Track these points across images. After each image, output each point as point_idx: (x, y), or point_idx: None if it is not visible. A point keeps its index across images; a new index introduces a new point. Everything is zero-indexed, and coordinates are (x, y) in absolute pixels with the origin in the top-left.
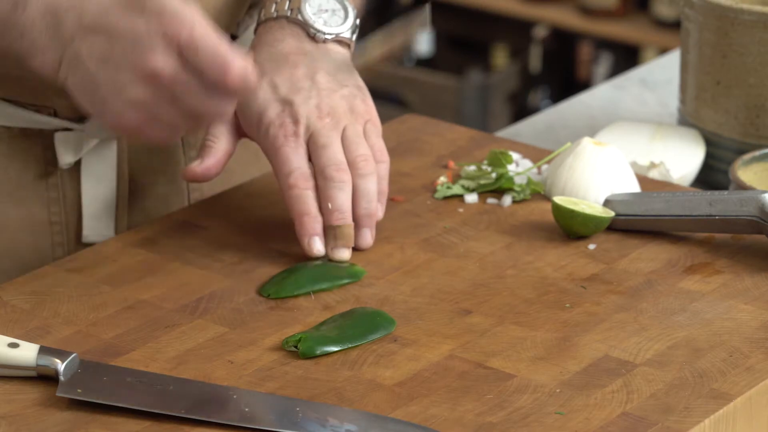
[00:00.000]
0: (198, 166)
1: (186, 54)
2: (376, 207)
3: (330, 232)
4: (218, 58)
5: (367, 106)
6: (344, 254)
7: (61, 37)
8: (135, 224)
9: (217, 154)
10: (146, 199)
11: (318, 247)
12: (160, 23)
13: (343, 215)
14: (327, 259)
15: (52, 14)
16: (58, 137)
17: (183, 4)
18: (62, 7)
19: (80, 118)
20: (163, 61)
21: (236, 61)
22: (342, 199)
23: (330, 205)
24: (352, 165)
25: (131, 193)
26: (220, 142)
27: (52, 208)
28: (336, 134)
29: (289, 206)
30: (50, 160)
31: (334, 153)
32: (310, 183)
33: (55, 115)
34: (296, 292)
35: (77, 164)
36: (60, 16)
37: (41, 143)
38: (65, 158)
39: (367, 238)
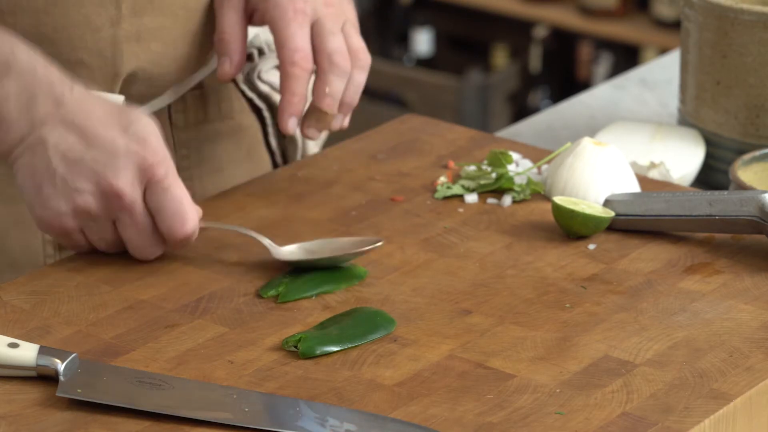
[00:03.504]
0: (229, 67)
1: (152, 191)
2: (356, 100)
3: (314, 113)
4: (180, 210)
5: (352, 8)
6: (317, 135)
7: (32, 117)
8: None
9: (238, 47)
10: None
11: (293, 126)
12: (141, 150)
13: (335, 103)
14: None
15: (29, 93)
16: None
17: (162, 140)
18: (41, 90)
19: None
20: (130, 187)
21: (193, 219)
22: (339, 87)
23: (327, 90)
24: (353, 55)
25: None
26: (235, 32)
27: None
28: (339, 24)
29: (284, 81)
30: None
31: (341, 42)
32: (310, 65)
33: None
34: (302, 295)
35: None
36: (36, 98)
37: None
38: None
39: (345, 122)
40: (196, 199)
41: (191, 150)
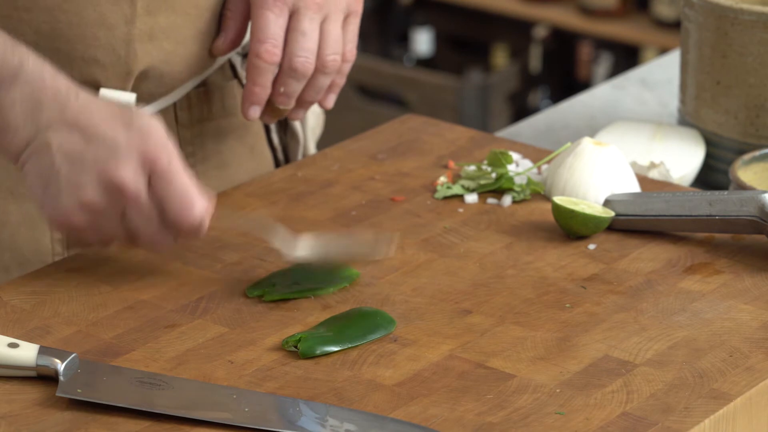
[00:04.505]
0: (222, 42)
1: (156, 181)
2: (320, 98)
3: (270, 103)
4: (185, 199)
5: None
6: (272, 122)
7: (37, 122)
8: None
9: (235, 25)
10: None
11: (255, 114)
12: (143, 142)
13: (289, 101)
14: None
15: (35, 101)
16: None
17: (167, 134)
18: (47, 97)
19: None
20: (132, 178)
21: (200, 207)
22: (295, 88)
23: (282, 89)
24: (321, 61)
25: None
26: (237, 9)
27: None
28: (317, 21)
29: (248, 70)
30: None
31: (311, 42)
32: (277, 58)
33: None
34: (288, 295)
35: None
36: (42, 104)
37: None
38: None
39: (300, 115)
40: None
41: (196, 147)
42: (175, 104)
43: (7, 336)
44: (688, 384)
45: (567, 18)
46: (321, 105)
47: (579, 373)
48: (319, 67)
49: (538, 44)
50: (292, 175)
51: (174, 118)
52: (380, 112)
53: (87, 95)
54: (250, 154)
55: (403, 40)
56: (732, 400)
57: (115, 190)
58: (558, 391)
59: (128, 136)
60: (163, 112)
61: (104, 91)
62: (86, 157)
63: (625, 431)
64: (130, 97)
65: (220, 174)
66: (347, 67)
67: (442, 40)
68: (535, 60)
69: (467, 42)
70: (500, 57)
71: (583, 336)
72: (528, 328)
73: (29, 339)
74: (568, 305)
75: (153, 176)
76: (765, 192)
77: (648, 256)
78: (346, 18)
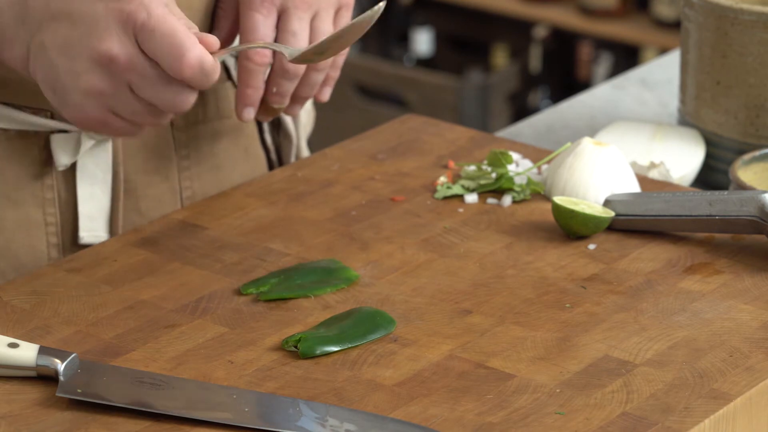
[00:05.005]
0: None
1: (141, 39)
2: (315, 93)
3: (264, 104)
4: (174, 45)
5: None
6: (266, 119)
7: (29, 26)
8: (129, 225)
9: (227, 24)
10: (140, 199)
11: (249, 116)
12: (117, 6)
13: (283, 100)
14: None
15: (20, 3)
16: (55, 139)
17: None
18: None
19: None
20: (118, 46)
21: (193, 49)
22: (288, 88)
23: (275, 89)
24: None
25: (126, 193)
26: (229, 7)
27: (47, 209)
28: (307, 20)
29: (239, 72)
30: (46, 162)
31: (298, 44)
32: (267, 59)
33: (52, 117)
34: (286, 295)
35: (73, 165)
36: (28, 4)
37: (37, 145)
38: (61, 160)
39: (297, 111)
40: (197, 197)
41: (191, 149)
42: None
43: (7, 336)
44: (688, 384)
45: (567, 18)
46: (317, 99)
47: (579, 373)
48: (311, 65)
49: (538, 44)
50: (292, 175)
51: (169, 122)
52: (380, 112)
53: None
54: (244, 156)
55: (403, 40)
56: (732, 400)
57: (108, 65)
58: (558, 391)
59: (105, 6)
60: None
61: None
62: (73, 42)
63: (625, 431)
64: None
65: (214, 176)
66: (341, 60)
67: (442, 40)
68: (535, 60)
69: (467, 42)
70: (500, 57)
71: (583, 336)
72: (528, 328)
73: (29, 339)
74: (568, 305)
75: (138, 36)
76: (765, 192)
77: (648, 256)
78: (338, 11)
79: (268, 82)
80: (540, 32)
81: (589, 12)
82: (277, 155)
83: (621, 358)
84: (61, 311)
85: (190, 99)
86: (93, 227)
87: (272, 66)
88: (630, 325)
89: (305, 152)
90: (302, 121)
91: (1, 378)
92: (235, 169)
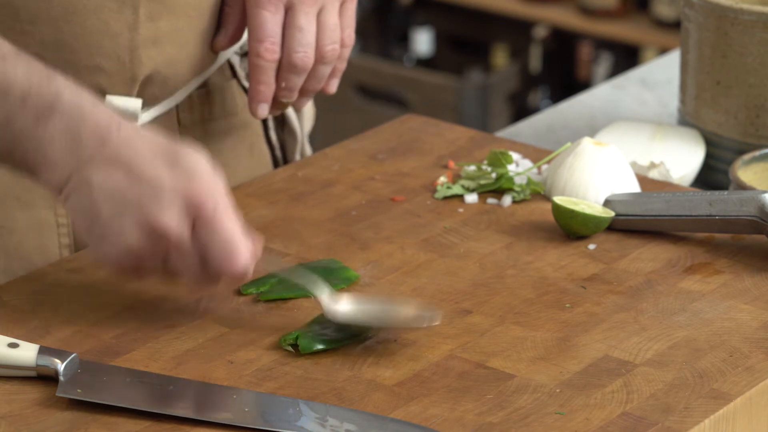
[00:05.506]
0: (223, 38)
1: (201, 227)
2: (322, 85)
3: (274, 98)
4: (230, 247)
5: None
6: (276, 113)
7: (78, 157)
8: None
9: (235, 20)
10: None
11: (264, 112)
12: (188, 184)
13: (292, 94)
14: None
15: (74, 134)
16: None
17: (214, 173)
18: (87, 130)
19: None
20: (177, 223)
21: (244, 256)
22: (296, 82)
23: (284, 84)
24: (320, 53)
25: None
26: (237, 5)
27: (59, 211)
28: (313, 14)
29: (251, 70)
30: None
31: (308, 36)
32: (277, 55)
33: None
34: (285, 295)
35: None
36: (81, 138)
37: None
38: None
39: (305, 104)
40: None
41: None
42: (177, 106)
43: (7, 336)
44: (688, 384)
45: (567, 18)
46: (324, 91)
47: (579, 373)
48: (319, 59)
49: (538, 44)
50: (292, 175)
51: (176, 120)
52: (380, 112)
53: (130, 126)
54: (249, 153)
55: (403, 40)
56: (732, 400)
57: (157, 236)
58: (558, 391)
59: (173, 176)
60: (166, 115)
61: (110, 98)
62: (128, 199)
63: (625, 431)
64: (136, 102)
65: (220, 173)
66: (347, 52)
67: (442, 40)
68: (535, 60)
69: (467, 42)
70: (500, 57)
71: (583, 336)
72: (528, 328)
73: (29, 339)
74: (568, 305)
75: (197, 222)
76: (765, 192)
77: (648, 256)
78: (343, 4)
79: (277, 77)
80: (540, 32)
81: (589, 12)
82: (282, 152)
83: (621, 358)
84: (61, 311)
85: (215, 288)
86: None
87: (280, 61)
88: (630, 325)
89: (308, 149)
90: (306, 117)
91: (1, 378)
92: (241, 167)
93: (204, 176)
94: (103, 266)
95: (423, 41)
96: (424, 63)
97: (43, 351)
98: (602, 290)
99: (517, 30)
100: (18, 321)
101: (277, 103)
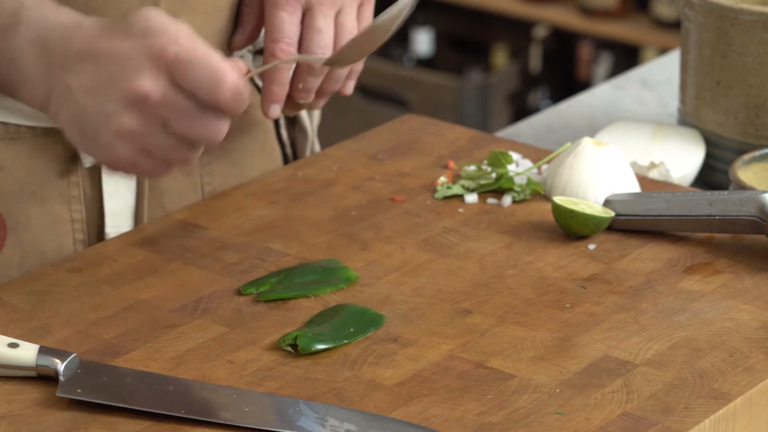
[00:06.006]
0: (240, 36)
1: (175, 72)
2: (338, 87)
3: (289, 99)
4: (210, 73)
5: None
6: (292, 114)
7: (50, 67)
8: (153, 220)
9: (252, 20)
10: (164, 195)
11: (276, 113)
12: (146, 43)
13: (309, 96)
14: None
15: (41, 43)
16: None
17: (168, 20)
18: (53, 36)
19: None
20: (151, 83)
21: (229, 75)
22: (314, 83)
23: (301, 86)
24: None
25: (150, 189)
26: (254, 4)
27: (73, 206)
28: (331, 16)
29: (265, 71)
30: (72, 159)
31: (326, 38)
32: (292, 56)
33: None
34: (285, 295)
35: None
36: (50, 45)
37: (63, 142)
38: (87, 157)
39: (321, 104)
40: (217, 192)
41: None
42: None
43: (7, 336)
44: (688, 384)
45: (567, 18)
46: (341, 93)
47: (579, 373)
48: None
49: (538, 44)
50: (292, 175)
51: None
52: (380, 112)
53: (89, 21)
54: (260, 151)
55: (403, 40)
56: (732, 400)
57: (142, 104)
58: (558, 391)
59: (133, 44)
60: None
61: None
62: (103, 83)
63: (625, 431)
64: None
65: (233, 171)
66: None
67: (442, 40)
68: (535, 60)
69: (467, 42)
70: (500, 57)
71: (583, 336)
72: (528, 328)
73: (29, 339)
74: (568, 305)
75: (171, 70)
76: (765, 192)
77: (648, 256)
78: (361, 6)
79: (294, 79)
80: (540, 32)
81: (589, 12)
82: (292, 149)
83: (621, 358)
84: (61, 311)
85: (225, 127)
86: (118, 223)
87: (297, 63)
88: (630, 325)
89: (318, 147)
90: (315, 115)
91: (1, 378)
92: (252, 164)
93: (158, 26)
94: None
95: (423, 41)
96: (424, 63)
97: (43, 351)
98: (602, 290)
99: (517, 30)
100: (18, 321)
101: (293, 104)
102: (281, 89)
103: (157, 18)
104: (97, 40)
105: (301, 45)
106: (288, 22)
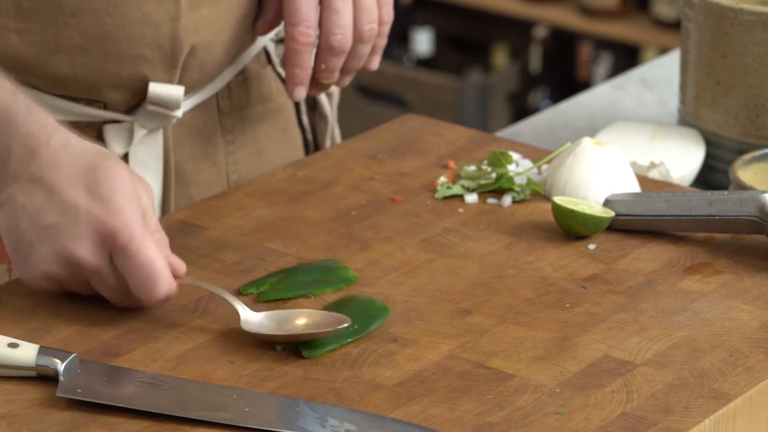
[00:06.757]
0: (262, 23)
1: (117, 257)
2: (362, 64)
3: (314, 80)
4: (149, 276)
5: None
6: (318, 94)
7: (6, 172)
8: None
9: (274, 7)
10: (190, 185)
11: (301, 94)
12: (103, 214)
13: (332, 75)
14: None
15: (5, 146)
16: (108, 129)
17: (133, 199)
18: (16, 142)
19: (129, 110)
20: (90, 255)
21: (164, 282)
22: (336, 64)
23: (324, 66)
24: (358, 33)
25: (176, 180)
26: None
27: None
28: None
29: (286, 53)
30: None
31: (345, 18)
32: (312, 38)
33: (105, 108)
34: (285, 295)
35: (125, 155)
36: (11, 151)
37: (91, 135)
38: (115, 149)
39: (347, 81)
40: (242, 181)
41: (236, 134)
42: (216, 94)
43: (7, 336)
44: (688, 384)
45: (567, 18)
46: (366, 68)
47: (579, 373)
48: (357, 39)
49: (538, 44)
50: (292, 175)
51: (216, 108)
52: (380, 112)
53: (60, 138)
54: (283, 137)
55: (403, 40)
56: (732, 400)
57: (74, 266)
58: (558, 391)
59: (89, 204)
60: (206, 103)
61: (153, 86)
62: (46, 225)
63: (625, 431)
64: (178, 90)
65: (257, 159)
66: (386, 29)
67: (442, 40)
68: (535, 60)
69: (467, 42)
70: (500, 57)
71: (583, 336)
72: (528, 328)
73: (29, 339)
74: (568, 305)
75: (114, 252)
76: (765, 192)
77: (648, 256)
78: None
79: (317, 60)
80: (540, 32)
81: (589, 12)
82: (313, 135)
83: (621, 358)
84: (61, 311)
85: (141, 306)
86: None
87: (319, 44)
88: (630, 325)
89: (337, 132)
90: (335, 98)
91: (1, 378)
92: (276, 151)
93: (119, 203)
94: (30, 285)
95: (423, 41)
96: (424, 63)
97: (43, 351)
98: (602, 290)
99: (517, 30)
100: (18, 321)
101: (319, 85)
102: (304, 72)
103: (124, 187)
104: (60, 173)
105: (321, 27)
106: (305, 5)
